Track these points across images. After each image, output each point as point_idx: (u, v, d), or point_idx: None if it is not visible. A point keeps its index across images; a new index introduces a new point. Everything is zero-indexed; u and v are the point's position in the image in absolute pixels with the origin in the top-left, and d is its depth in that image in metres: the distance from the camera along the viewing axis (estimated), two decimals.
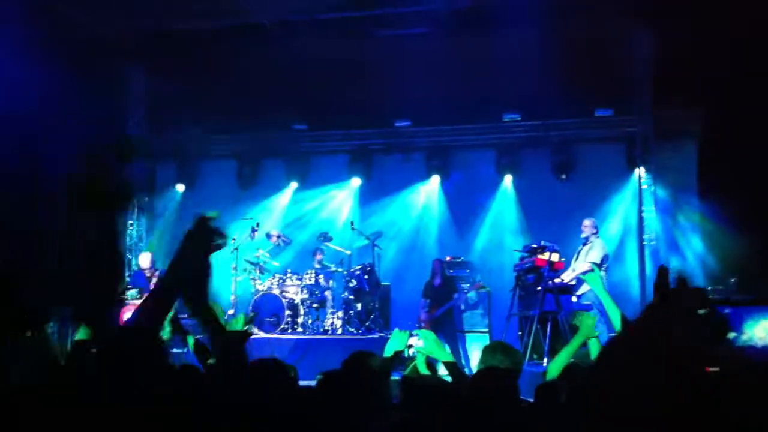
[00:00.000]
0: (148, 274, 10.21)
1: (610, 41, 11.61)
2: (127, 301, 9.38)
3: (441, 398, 3.81)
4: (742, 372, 1.08)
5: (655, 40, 11.92)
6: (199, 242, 1.85)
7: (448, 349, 10.23)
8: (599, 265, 9.65)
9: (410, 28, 12.20)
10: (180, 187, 14.47)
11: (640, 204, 12.66)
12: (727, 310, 7.69)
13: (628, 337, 0.92)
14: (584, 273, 9.64)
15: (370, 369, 4.19)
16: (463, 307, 11.82)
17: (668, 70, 12.00)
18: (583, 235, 10.20)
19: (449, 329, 11.05)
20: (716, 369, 0.92)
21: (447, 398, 3.81)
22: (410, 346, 4.70)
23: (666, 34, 11.51)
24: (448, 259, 12.24)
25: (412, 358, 5.55)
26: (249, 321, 3.59)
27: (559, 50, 11.17)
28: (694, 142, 13.02)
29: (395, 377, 5.24)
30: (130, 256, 13.99)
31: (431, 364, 5.27)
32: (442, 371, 5.05)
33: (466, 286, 11.91)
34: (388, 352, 4.47)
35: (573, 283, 9.62)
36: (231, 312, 11.45)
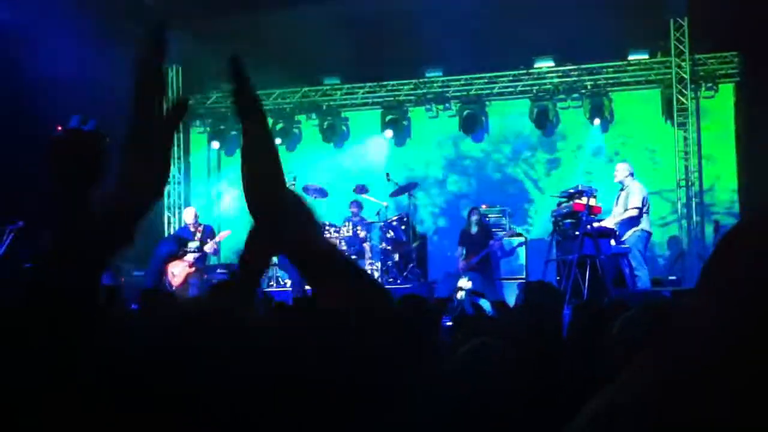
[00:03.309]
0: (192, 229, 10.42)
1: None
2: (189, 252, 9.60)
3: (494, 332, 3.92)
4: None
5: None
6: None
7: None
8: (641, 208, 9.64)
9: None
10: (215, 144, 14.63)
11: (676, 147, 12.58)
12: None
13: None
14: (627, 219, 9.68)
15: (427, 309, 4.29)
16: (499, 254, 11.90)
17: (704, 11, 11.81)
18: (617, 180, 10.19)
19: (487, 276, 11.12)
20: None
21: (500, 332, 3.92)
22: (460, 288, 4.80)
23: None
24: (483, 207, 12.28)
25: (459, 302, 5.68)
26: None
27: None
28: (731, 85, 12.88)
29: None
30: (170, 214, 14.24)
31: (477, 305, 5.39)
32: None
33: (501, 233, 11.97)
34: (440, 293, 4.56)
35: (615, 228, 9.64)
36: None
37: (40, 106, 8.37)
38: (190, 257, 10.06)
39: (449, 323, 5.48)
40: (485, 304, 4.86)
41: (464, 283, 8.75)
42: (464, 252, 11.40)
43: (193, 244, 9.26)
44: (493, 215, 12.43)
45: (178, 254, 5.83)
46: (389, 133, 13.91)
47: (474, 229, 11.42)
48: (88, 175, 1.76)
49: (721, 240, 0.89)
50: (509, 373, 2.23)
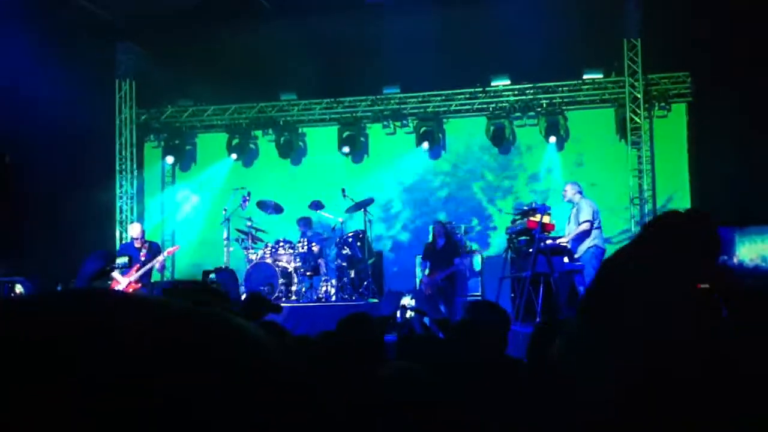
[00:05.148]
0: (137, 245, 10.18)
1: (598, 2, 11.60)
2: (117, 268, 9.19)
3: (435, 353, 3.86)
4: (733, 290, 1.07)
5: (644, 2, 11.91)
6: None
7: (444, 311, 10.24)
8: (592, 222, 9.66)
9: None
10: (169, 159, 14.43)
11: (630, 165, 12.73)
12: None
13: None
14: (580, 234, 9.69)
15: (367, 327, 4.23)
16: (468, 274, 11.78)
17: (657, 32, 12.01)
18: (566, 200, 10.22)
19: (449, 294, 10.94)
20: (705, 286, 0.90)
21: (441, 353, 3.86)
22: (404, 307, 4.73)
23: None
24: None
25: (406, 320, 5.61)
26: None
27: (547, 12, 11.15)
28: (684, 104, 13.09)
29: (390, 340, 5.29)
30: (121, 230, 14.00)
31: (425, 324, 5.32)
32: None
33: (468, 251, 11.91)
34: (384, 311, 4.50)
35: (568, 245, 9.66)
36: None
37: None
38: (134, 274, 9.84)
39: (395, 341, 5.41)
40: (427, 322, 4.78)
41: (407, 301, 8.70)
42: (428, 267, 11.17)
43: (120, 260, 8.93)
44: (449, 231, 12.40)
45: (106, 270, 5.66)
46: (346, 149, 13.86)
47: (440, 243, 11.18)
48: None
49: (597, 272, 0.88)
50: (429, 397, 2.17)
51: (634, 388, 0.83)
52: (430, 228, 11.81)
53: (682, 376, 0.86)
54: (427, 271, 11.10)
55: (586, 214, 9.67)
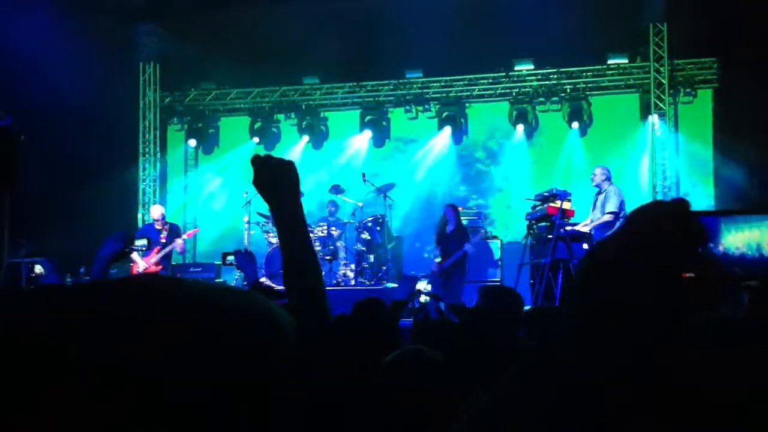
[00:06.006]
0: (158, 226, 10.24)
1: None
2: (135, 250, 9.17)
3: (450, 339, 3.86)
4: (716, 279, 1.07)
5: None
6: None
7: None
8: (618, 213, 9.57)
9: None
10: (192, 142, 14.52)
11: (653, 152, 12.60)
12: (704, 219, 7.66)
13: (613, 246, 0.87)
14: (603, 223, 9.61)
15: (380, 311, 4.24)
16: (488, 263, 11.70)
17: (683, 17, 11.85)
18: (594, 184, 10.12)
19: (458, 279, 10.85)
20: (692, 275, 0.90)
21: (456, 339, 3.86)
22: (420, 291, 4.73)
23: None
24: (460, 209, 12.19)
25: (422, 305, 5.62)
26: None
27: None
28: (710, 90, 12.91)
29: (405, 324, 5.30)
30: (144, 211, 14.12)
31: (440, 309, 5.32)
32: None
33: (477, 236, 11.85)
34: (399, 296, 4.50)
35: (591, 232, 9.58)
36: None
37: None
38: (155, 256, 9.91)
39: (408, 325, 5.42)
40: (442, 307, 4.78)
41: (423, 285, 8.73)
42: (440, 253, 11.05)
43: (139, 242, 8.93)
44: (470, 217, 12.34)
45: (124, 252, 5.66)
46: (368, 132, 13.85)
47: (450, 228, 11.01)
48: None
49: (580, 262, 0.88)
50: (439, 380, 2.18)
51: (629, 369, 0.84)
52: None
53: (683, 356, 0.87)
54: (438, 259, 10.87)
55: (612, 205, 9.58)
